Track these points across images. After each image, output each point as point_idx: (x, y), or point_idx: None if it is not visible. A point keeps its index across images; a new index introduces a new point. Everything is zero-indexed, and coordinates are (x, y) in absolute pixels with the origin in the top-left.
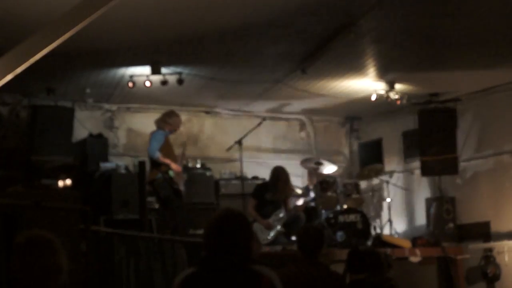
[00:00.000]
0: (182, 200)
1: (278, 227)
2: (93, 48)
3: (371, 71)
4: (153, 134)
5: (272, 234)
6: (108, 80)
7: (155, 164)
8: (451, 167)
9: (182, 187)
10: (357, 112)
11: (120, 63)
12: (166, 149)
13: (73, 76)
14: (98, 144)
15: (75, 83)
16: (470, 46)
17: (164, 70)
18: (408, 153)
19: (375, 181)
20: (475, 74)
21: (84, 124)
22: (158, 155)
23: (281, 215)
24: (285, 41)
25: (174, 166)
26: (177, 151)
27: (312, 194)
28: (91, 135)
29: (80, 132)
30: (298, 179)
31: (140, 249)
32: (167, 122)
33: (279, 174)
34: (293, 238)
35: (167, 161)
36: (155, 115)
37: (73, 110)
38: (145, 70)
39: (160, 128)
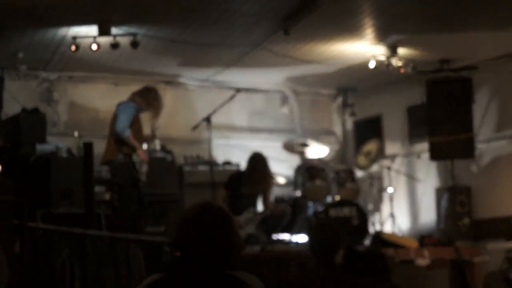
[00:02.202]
0: (140, 191)
1: (251, 229)
2: (26, 2)
3: (369, 33)
4: (121, 106)
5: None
6: (46, 42)
7: (118, 142)
8: (466, 150)
9: (143, 177)
10: (351, 83)
11: (60, 21)
12: (135, 127)
13: (2, 37)
14: (34, 122)
15: (4, 46)
16: (490, 0)
17: (114, 30)
18: (414, 133)
19: (374, 167)
20: (495, 35)
21: (16, 97)
22: (128, 133)
23: (256, 212)
24: None
25: (141, 152)
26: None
27: None
28: (24, 110)
29: (11, 106)
30: (281, 165)
31: (87, 250)
32: (148, 101)
33: (255, 162)
34: (276, 236)
35: (136, 144)
36: (104, 86)
37: (2, 80)
38: (91, 30)
39: (132, 101)
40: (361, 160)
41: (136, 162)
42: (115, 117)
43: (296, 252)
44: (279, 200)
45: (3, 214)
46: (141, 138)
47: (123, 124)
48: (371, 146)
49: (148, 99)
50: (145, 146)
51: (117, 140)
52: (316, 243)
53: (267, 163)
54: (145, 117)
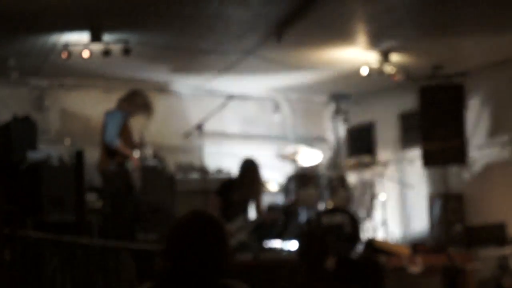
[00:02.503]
0: (134, 199)
1: (243, 236)
2: (17, 8)
3: (361, 39)
4: (109, 115)
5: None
6: (37, 49)
7: (110, 151)
8: (458, 157)
9: (138, 184)
10: (344, 90)
11: (51, 27)
12: (125, 135)
13: None
14: (25, 129)
15: None
16: (483, 6)
17: (106, 37)
18: (406, 140)
19: (366, 174)
20: (487, 42)
21: (7, 104)
22: (117, 143)
23: (248, 219)
24: (256, 2)
25: (133, 158)
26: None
27: None
28: (15, 118)
29: (2, 114)
30: (274, 172)
31: (77, 258)
32: (136, 104)
33: (247, 168)
34: (268, 244)
35: (127, 152)
36: (95, 93)
37: None
38: (83, 37)
39: (119, 109)
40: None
41: (129, 171)
42: (103, 127)
43: (287, 260)
44: (271, 208)
45: None
46: (132, 145)
47: (112, 134)
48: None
49: (135, 102)
50: (137, 153)
51: (108, 150)
52: (303, 251)
53: (258, 169)
54: (136, 122)
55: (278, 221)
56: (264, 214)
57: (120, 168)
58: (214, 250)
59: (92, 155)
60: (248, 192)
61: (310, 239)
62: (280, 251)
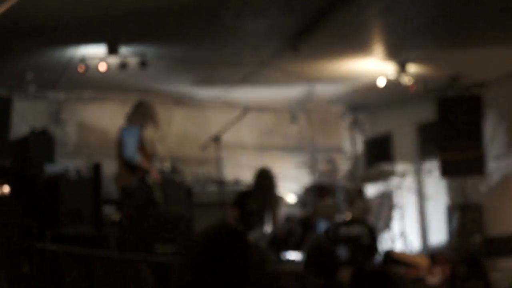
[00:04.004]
0: (153, 212)
1: None
2: (35, 23)
3: (379, 50)
4: (125, 131)
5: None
6: (54, 62)
7: (130, 167)
8: (476, 167)
9: (159, 199)
10: (361, 101)
11: (68, 41)
12: (142, 148)
13: (10, 58)
14: (42, 142)
15: (13, 67)
16: (501, 18)
17: (123, 50)
18: (424, 151)
19: (384, 185)
20: (505, 53)
21: (25, 118)
22: (138, 159)
23: (265, 230)
24: (273, 13)
25: (153, 172)
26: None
27: None
28: (33, 131)
29: (20, 127)
30: (291, 184)
31: (96, 271)
32: (142, 114)
33: (262, 178)
34: (286, 256)
35: (148, 166)
36: (112, 106)
37: (10, 101)
38: (100, 50)
39: (132, 123)
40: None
41: (151, 185)
42: (120, 143)
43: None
44: (288, 219)
45: (11, 236)
46: (148, 157)
47: (132, 150)
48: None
49: (144, 114)
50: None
51: (128, 165)
52: (310, 264)
53: (274, 180)
54: (146, 134)
55: (295, 232)
56: (280, 226)
57: (142, 183)
58: (237, 263)
59: (109, 168)
60: (264, 203)
61: (319, 253)
62: (298, 262)
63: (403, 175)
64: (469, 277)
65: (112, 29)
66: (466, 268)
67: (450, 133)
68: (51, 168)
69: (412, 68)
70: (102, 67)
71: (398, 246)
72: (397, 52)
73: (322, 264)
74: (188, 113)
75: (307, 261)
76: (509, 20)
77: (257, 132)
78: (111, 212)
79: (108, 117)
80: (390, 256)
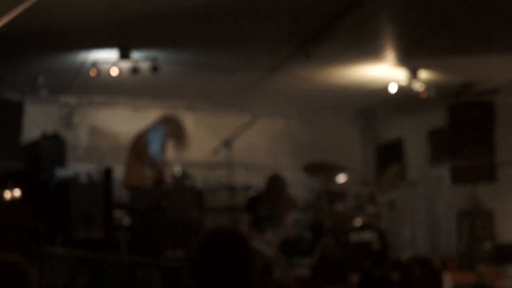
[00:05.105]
0: (163, 216)
1: (271, 252)
2: (47, 27)
3: (390, 56)
4: (152, 131)
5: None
6: (66, 67)
7: (144, 168)
8: (488, 174)
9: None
10: (372, 107)
11: (80, 46)
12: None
13: (22, 62)
14: (54, 146)
15: (25, 71)
16: None
17: (135, 54)
18: (435, 157)
19: (395, 190)
20: None
21: (36, 122)
22: (160, 159)
23: (274, 235)
24: (283, 19)
25: (168, 178)
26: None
27: None
28: (44, 135)
29: (31, 131)
30: (302, 189)
31: (106, 275)
32: (170, 128)
33: (273, 183)
34: (297, 261)
35: (165, 170)
36: (124, 111)
37: (22, 104)
38: (112, 54)
39: (159, 125)
40: (382, 183)
41: (164, 189)
42: (144, 143)
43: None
44: (299, 225)
45: (21, 239)
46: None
47: (156, 150)
48: (392, 170)
49: (170, 128)
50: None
51: (142, 166)
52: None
53: (285, 185)
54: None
55: (305, 238)
56: (290, 231)
57: (156, 185)
58: (238, 266)
59: (120, 172)
60: (275, 208)
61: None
62: (308, 267)
63: (414, 181)
64: (423, 278)
65: (124, 34)
66: (420, 269)
67: (461, 139)
68: (62, 172)
69: (424, 74)
70: (114, 71)
71: (408, 252)
72: (409, 58)
73: (331, 272)
74: (199, 119)
75: (316, 268)
76: None
77: (268, 137)
78: (121, 216)
79: (119, 122)
80: (400, 262)
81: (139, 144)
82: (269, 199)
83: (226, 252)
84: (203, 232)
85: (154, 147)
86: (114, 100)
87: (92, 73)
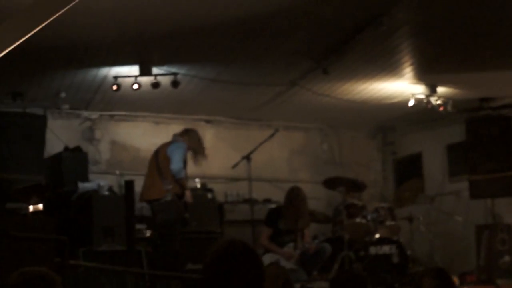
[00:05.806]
0: (184, 229)
1: (291, 265)
2: (69, 43)
3: (408, 72)
4: (173, 145)
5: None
6: (88, 82)
7: (166, 182)
8: (506, 188)
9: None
10: (390, 121)
11: (102, 61)
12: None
13: (45, 77)
14: (76, 160)
15: (47, 86)
16: None
17: (155, 70)
18: (453, 171)
19: (414, 204)
20: None
21: (59, 136)
22: (183, 174)
23: (294, 248)
24: (303, 35)
25: (188, 193)
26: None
27: None
28: (67, 149)
29: (54, 145)
30: (321, 203)
31: (128, 287)
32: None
33: (293, 197)
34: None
35: (186, 184)
36: (145, 125)
37: (45, 119)
38: (133, 70)
39: (181, 140)
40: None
41: (185, 202)
42: (165, 157)
43: None
44: (318, 238)
45: (44, 252)
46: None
47: (178, 165)
48: (411, 184)
49: (190, 140)
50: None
51: (163, 180)
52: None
53: (305, 198)
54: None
55: (325, 251)
56: (310, 244)
57: (176, 199)
58: (247, 279)
59: (141, 185)
60: (294, 221)
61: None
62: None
63: (433, 195)
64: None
65: (144, 50)
66: (433, 280)
67: (479, 154)
68: (84, 185)
69: (442, 89)
70: (135, 86)
71: (427, 266)
72: (427, 74)
73: (350, 285)
74: (219, 132)
75: (335, 281)
76: None
77: (287, 151)
78: (142, 228)
79: (140, 136)
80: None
81: (160, 158)
82: (289, 212)
83: (234, 264)
84: (214, 245)
85: (176, 162)
86: (135, 114)
87: (114, 88)
